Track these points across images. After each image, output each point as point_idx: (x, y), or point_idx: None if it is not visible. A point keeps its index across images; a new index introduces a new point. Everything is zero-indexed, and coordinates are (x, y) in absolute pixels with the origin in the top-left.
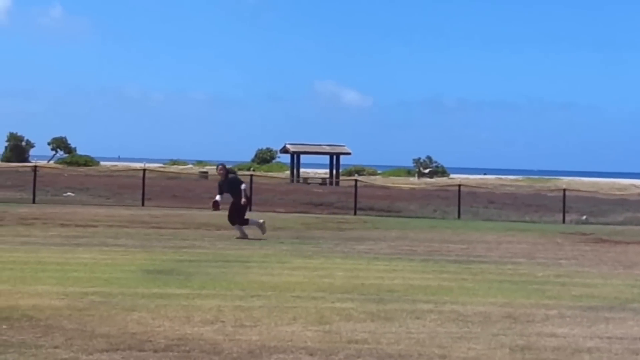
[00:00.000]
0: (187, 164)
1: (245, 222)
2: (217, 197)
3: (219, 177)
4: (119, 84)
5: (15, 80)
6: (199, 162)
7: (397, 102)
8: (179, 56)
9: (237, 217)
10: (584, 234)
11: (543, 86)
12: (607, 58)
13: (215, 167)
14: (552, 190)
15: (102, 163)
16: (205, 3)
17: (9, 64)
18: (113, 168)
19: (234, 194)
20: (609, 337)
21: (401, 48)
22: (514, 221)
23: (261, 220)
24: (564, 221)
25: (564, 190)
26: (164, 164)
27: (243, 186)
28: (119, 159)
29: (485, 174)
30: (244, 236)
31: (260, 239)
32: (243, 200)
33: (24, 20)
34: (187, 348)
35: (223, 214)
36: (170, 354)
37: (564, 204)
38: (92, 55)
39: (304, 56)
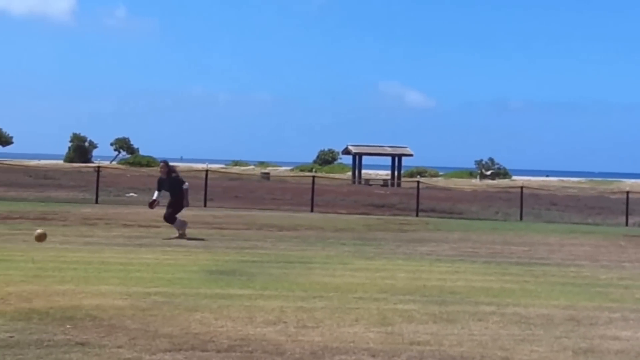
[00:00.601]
0: (249, 165)
1: (173, 220)
2: (155, 195)
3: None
4: (183, 85)
5: (79, 81)
6: (261, 163)
7: (461, 104)
8: (244, 57)
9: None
10: None
11: (608, 87)
12: None
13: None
14: (614, 193)
15: None
16: (271, 4)
17: (74, 64)
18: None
19: (174, 194)
20: None
21: (466, 49)
22: (577, 223)
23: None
24: (627, 223)
25: (627, 192)
26: (226, 164)
27: (185, 186)
28: (181, 160)
29: (547, 175)
30: (182, 235)
31: (322, 240)
32: (186, 202)
33: (89, 21)
34: (250, 349)
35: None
36: (233, 354)
37: (627, 207)
38: (158, 56)
39: (368, 57)
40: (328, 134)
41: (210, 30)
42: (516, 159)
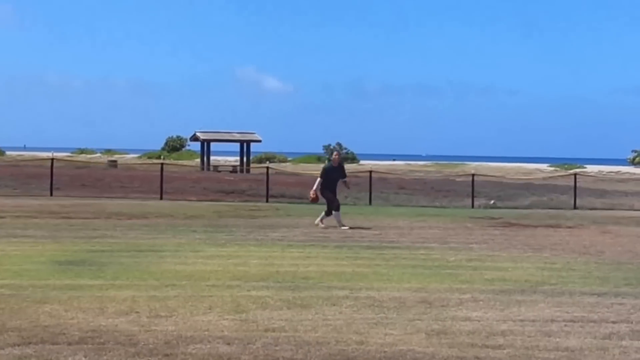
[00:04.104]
0: (96, 153)
1: None
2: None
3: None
4: (32, 70)
5: None
6: (108, 151)
7: (319, 88)
8: (100, 41)
9: None
10: (493, 218)
11: (465, 69)
12: (531, 42)
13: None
14: (460, 175)
15: (7, 153)
16: None
17: None
18: (19, 157)
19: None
20: (521, 320)
21: (324, 30)
22: (425, 206)
23: None
24: (472, 206)
25: (473, 175)
26: (72, 153)
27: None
28: (24, 148)
29: (394, 159)
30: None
31: (172, 228)
32: None
33: None
34: (102, 340)
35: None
36: (85, 346)
37: (472, 189)
38: (10, 41)
39: (226, 41)
40: (182, 120)
41: (63, 13)
42: (367, 143)
